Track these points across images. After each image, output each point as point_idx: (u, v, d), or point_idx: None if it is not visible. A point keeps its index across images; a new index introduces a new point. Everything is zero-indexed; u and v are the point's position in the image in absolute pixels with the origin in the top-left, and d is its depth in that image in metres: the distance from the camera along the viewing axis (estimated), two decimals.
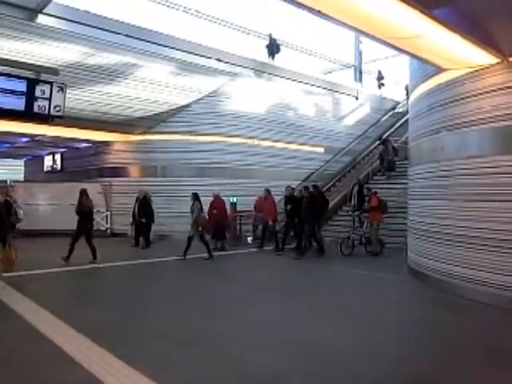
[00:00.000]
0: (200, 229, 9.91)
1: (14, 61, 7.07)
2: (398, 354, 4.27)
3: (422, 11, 4.37)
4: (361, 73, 21.17)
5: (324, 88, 17.13)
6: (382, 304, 6.25)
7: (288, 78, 15.68)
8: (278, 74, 15.45)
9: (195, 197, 9.99)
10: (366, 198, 11.11)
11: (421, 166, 7.85)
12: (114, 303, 6.16)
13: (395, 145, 15.58)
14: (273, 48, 15.98)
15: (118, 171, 14.99)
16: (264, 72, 15.12)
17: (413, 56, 6.31)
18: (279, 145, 15.73)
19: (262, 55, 15.68)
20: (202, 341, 4.56)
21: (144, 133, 14.26)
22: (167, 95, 12.89)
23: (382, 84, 20.15)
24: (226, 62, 13.65)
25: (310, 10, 4.20)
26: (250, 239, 13.10)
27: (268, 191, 11.82)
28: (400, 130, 17.67)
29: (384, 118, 19.42)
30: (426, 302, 6.43)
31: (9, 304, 5.81)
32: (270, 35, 16.10)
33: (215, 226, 11.10)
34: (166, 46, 12.08)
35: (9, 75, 6.10)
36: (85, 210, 8.90)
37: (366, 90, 19.35)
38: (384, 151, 15.34)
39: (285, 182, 15.21)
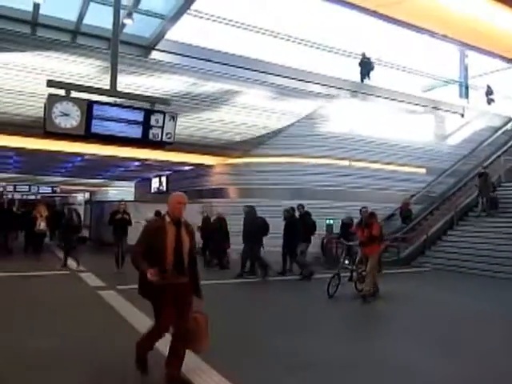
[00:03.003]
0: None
1: (133, 94, 7.86)
2: None
3: None
4: (467, 88, 19.84)
5: (424, 106, 16.37)
6: None
7: (386, 98, 15.28)
8: (374, 93, 15.15)
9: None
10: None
11: None
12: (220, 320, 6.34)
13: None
14: (368, 67, 15.72)
15: (217, 192, 15.70)
16: (361, 92, 14.93)
17: None
18: (375, 166, 15.28)
19: (356, 75, 15.52)
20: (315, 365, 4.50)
21: (242, 156, 14.81)
22: (265, 119, 13.30)
23: (492, 100, 18.66)
24: (323, 85, 13.75)
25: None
26: (346, 262, 12.76)
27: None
28: None
29: (495, 136, 17.89)
30: None
31: (125, 317, 6.31)
32: (363, 54, 15.85)
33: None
34: (264, 72, 12.55)
35: (128, 107, 6.79)
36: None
37: (474, 107, 18.06)
38: (482, 185, 14.10)
39: (385, 204, 14.78)
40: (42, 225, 13.50)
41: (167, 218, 3.75)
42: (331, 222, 12.62)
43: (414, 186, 15.80)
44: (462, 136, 17.26)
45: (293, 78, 12.99)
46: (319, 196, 14.12)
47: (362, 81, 15.45)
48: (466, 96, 19.60)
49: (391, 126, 15.60)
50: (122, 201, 11.20)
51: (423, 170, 16.13)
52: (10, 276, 9.56)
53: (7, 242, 13.82)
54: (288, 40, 13.90)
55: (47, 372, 4.16)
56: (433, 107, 16.62)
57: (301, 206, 11.34)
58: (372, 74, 15.67)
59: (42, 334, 5.33)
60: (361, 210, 8.66)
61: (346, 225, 11.65)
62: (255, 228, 10.31)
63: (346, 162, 14.75)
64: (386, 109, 15.44)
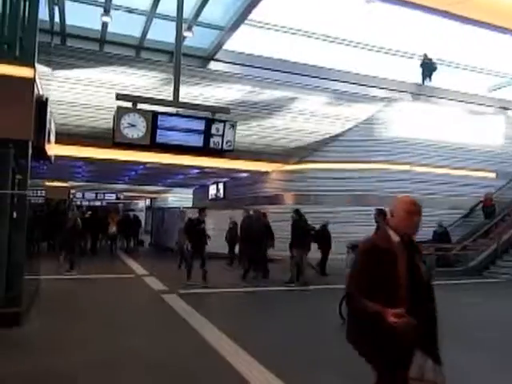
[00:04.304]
0: None
1: (194, 104, 8.14)
2: None
3: None
4: None
5: (491, 106, 15.48)
6: None
7: (449, 99, 14.64)
8: (437, 95, 14.57)
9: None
10: None
11: None
12: (282, 328, 6.35)
13: None
14: (429, 68, 15.13)
15: (273, 199, 15.74)
16: (422, 94, 14.42)
17: None
18: (439, 170, 14.64)
19: (417, 77, 14.98)
20: None
21: (298, 162, 14.76)
22: (322, 125, 13.20)
23: None
24: (383, 88, 13.44)
25: None
26: None
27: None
28: None
29: None
30: None
31: (187, 320, 6.48)
32: (424, 55, 15.27)
33: None
34: (322, 78, 12.48)
35: (190, 117, 7.04)
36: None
37: None
38: None
39: (445, 211, 14.14)
40: (113, 229, 15.78)
41: (392, 235, 2.48)
42: None
43: (482, 192, 14.94)
44: None
45: (351, 83, 12.81)
46: (378, 202, 13.72)
47: (423, 82, 14.92)
48: None
49: (455, 128, 14.91)
50: (202, 208, 10.75)
51: (493, 175, 15.22)
52: (85, 278, 10.18)
53: (85, 246, 15.32)
54: (347, 45, 13.69)
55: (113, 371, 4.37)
56: (501, 107, 15.68)
57: (295, 212, 10.86)
58: (434, 75, 15.07)
59: (120, 333, 5.61)
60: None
61: (440, 234, 11.08)
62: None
63: (406, 167, 14.26)
64: (450, 111, 14.78)
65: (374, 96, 13.42)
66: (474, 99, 15.20)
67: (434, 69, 15.19)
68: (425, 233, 13.72)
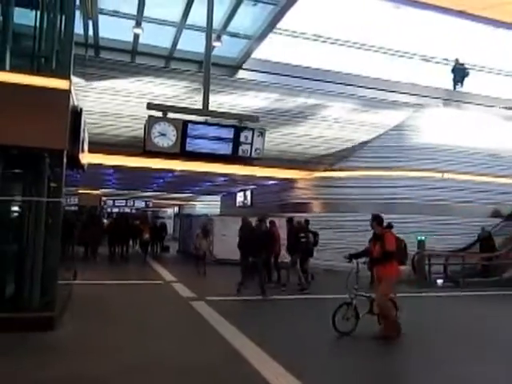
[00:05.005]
0: None
1: (223, 112, 8.21)
2: None
3: None
4: None
5: None
6: None
7: (482, 104, 14.24)
8: (469, 100, 14.20)
9: None
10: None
11: None
12: (311, 335, 6.28)
13: None
14: (461, 73, 14.77)
15: (300, 206, 15.67)
16: (454, 100, 14.08)
17: None
18: (471, 178, 14.23)
19: (448, 82, 14.64)
20: None
21: (327, 170, 14.66)
22: (350, 132, 13.08)
23: None
24: (412, 94, 13.21)
25: None
26: (440, 281, 11.97)
27: None
28: None
29: None
30: None
31: (215, 326, 6.51)
32: (456, 60, 14.92)
33: None
34: (350, 85, 12.37)
35: (219, 125, 7.10)
36: None
37: None
38: None
39: (478, 219, 13.75)
40: (146, 236, 16.81)
41: None
42: (423, 238, 11.92)
43: None
44: None
45: (380, 89, 12.65)
46: (408, 210, 13.48)
47: (454, 88, 14.58)
48: None
49: (488, 134, 14.48)
50: (262, 217, 10.24)
51: None
52: (116, 284, 10.40)
53: (123, 251, 16.72)
54: (376, 51, 13.55)
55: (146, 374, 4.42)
56: None
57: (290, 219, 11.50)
58: (466, 80, 14.70)
59: (150, 340, 5.69)
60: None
61: (483, 239, 10.82)
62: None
63: (438, 174, 13.94)
64: (482, 116, 14.37)
65: (403, 102, 13.20)
66: (507, 104, 14.72)
67: (466, 74, 14.82)
68: (461, 241, 13.40)
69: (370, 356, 5.48)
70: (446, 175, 13.97)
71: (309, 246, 10.59)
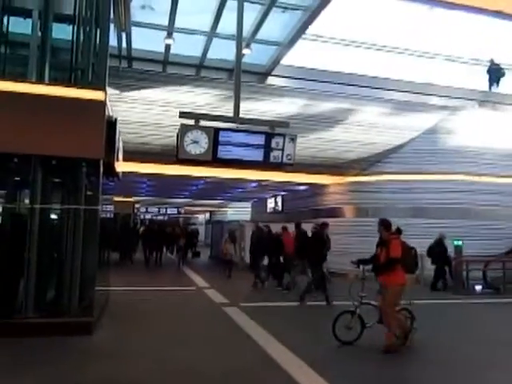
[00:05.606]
0: None
1: (254, 119, 8.24)
2: None
3: None
4: None
5: None
6: None
7: None
8: (506, 101, 13.72)
9: None
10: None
11: None
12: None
13: None
14: (497, 74, 14.27)
15: (332, 212, 15.49)
16: (489, 101, 13.64)
17: None
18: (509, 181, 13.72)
19: (483, 83, 14.18)
20: None
21: (358, 174, 14.45)
22: (382, 136, 12.86)
23: None
24: (445, 96, 12.88)
25: None
26: (478, 288, 11.53)
27: None
28: None
29: None
30: None
31: (248, 332, 6.50)
32: (491, 60, 14.44)
33: None
34: (380, 89, 12.19)
35: (250, 131, 7.13)
36: None
37: None
38: None
39: None
40: (182, 241, 17.48)
41: None
42: (460, 242, 11.54)
43: None
44: None
45: (414, 93, 12.40)
46: (443, 215, 13.11)
47: (489, 89, 14.12)
48: None
49: None
50: (323, 223, 9.98)
51: None
52: (151, 290, 10.58)
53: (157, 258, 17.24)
54: (411, 55, 13.29)
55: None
56: None
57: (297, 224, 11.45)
58: (502, 80, 14.21)
59: (180, 345, 5.74)
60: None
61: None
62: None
63: (473, 178, 13.50)
64: None
65: (435, 104, 12.89)
66: None
67: (502, 74, 14.32)
68: (492, 246, 12.86)
69: (412, 367, 5.33)
70: (482, 178, 13.52)
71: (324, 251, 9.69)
